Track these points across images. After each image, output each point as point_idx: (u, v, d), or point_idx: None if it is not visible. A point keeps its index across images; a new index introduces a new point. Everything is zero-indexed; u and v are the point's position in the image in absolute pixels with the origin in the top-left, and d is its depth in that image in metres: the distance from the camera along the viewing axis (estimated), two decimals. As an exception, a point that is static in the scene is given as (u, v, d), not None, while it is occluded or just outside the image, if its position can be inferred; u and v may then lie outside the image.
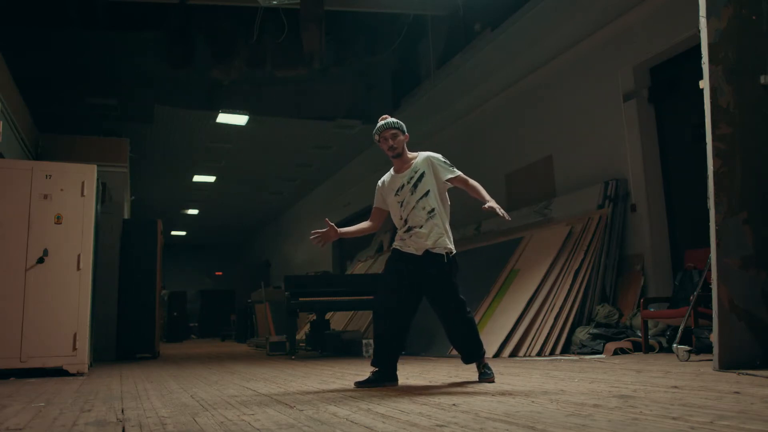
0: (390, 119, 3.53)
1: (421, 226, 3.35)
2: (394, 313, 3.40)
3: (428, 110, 9.74)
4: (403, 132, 3.52)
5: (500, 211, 3.20)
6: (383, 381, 3.40)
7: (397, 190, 3.45)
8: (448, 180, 3.43)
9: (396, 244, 3.50)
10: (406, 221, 3.41)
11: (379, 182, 3.61)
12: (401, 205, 3.43)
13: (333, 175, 14.81)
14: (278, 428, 2.04)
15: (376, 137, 3.52)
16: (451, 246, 3.40)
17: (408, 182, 3.42)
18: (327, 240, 3.48)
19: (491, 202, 3.25)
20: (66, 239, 5.21)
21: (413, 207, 3.38)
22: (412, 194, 3.40)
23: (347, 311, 9.99)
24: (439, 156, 3.51)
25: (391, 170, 3.58)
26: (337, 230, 3.49)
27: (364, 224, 3.66)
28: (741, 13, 3.58)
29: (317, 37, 7.39)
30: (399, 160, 3.49)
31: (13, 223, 5.10)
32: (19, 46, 8.56)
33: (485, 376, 3.38)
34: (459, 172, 3.47)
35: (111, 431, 2.15)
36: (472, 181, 3.45)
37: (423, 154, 3.50)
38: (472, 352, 3.46)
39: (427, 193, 3.39)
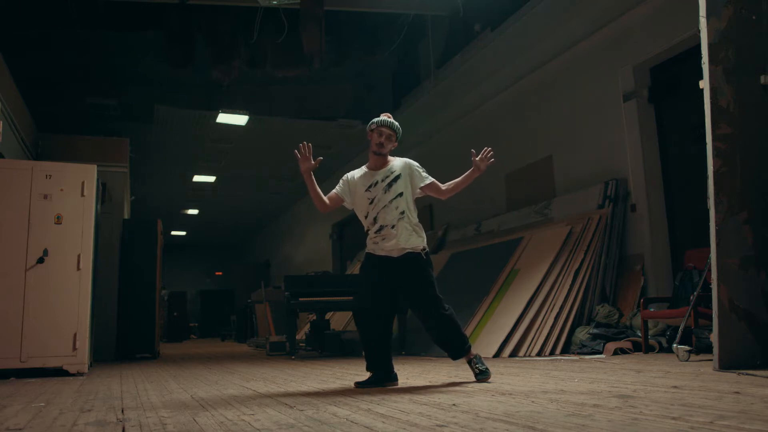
0: (393, 120, 3.55)
1: (393, 226, 3.38)
2: (375, 318, 3.42)
3: (428, 110, 9.74)
4: (398, 139, 3.56)
5: (484, 156, 3.40)
6: (383, 382, 3.40)
7: (369, 186, 3.45)
8: (423, 187, 3.48)
9: (369, 249, 3.50)
10: (375, 220, 3.42)
11: (348, 175, 3.59)
12: (371, 202, 3.44)
13: (333, 175, 14.79)
14: (278, 428, 2.04)
15: (372, 127, 3.53)
16: (424, 243, 3.46)
17: (382, 181, 3.45)
18: (305, 162, 3.44)
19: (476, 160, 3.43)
20: (66, 239, 5.21)
21: (385, 206, 3.40)
22: (384, 193, 3.42)
23: (347, 311, 9.97)
24: (416, 164, 3.56)
25: (363, 167, 3.58)
26: (311, 165, 3.44)
27: (322, 195, 3.53)
28: (741, 13, 3.58)
29: (317, 37, 7.39)
30: (379, 159, 3.51)
31: (13, 223, 5.10)
32: (19, 46, 8.56)
33: (483, 375, 3.37)
34: (432, 179, 3.52)
35: (111, 431, 2.15)
36: (446, 188, 3.52)
37: (402, 159, 3.56)
38: (457, 346, 3.46)
39: (400, 195, 3.42)
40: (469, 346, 3.49)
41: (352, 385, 3.47)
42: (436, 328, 3.44)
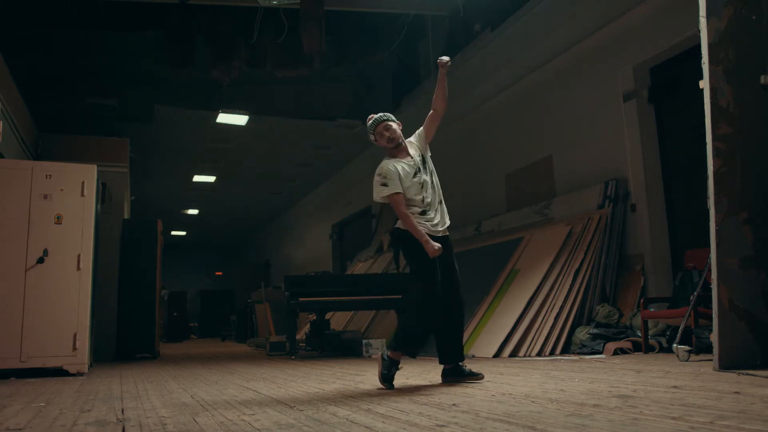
0: (376, 115, 3.57)
1: (440, 201, 3.50)
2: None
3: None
4: (394, 119, 3.58)
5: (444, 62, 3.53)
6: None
7: (416, 174, 3.46)
8: (426, 134, 3.61)
9: (426, 230, 3.35)
10: (429, 201, 3.44)
11: (393, 169, 3.40)
12: (422, 187, 3.45)
13: (333, 175, 14.81)
14: (278, 428, 2.04)
15: (372, 137, 3.55)
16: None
17: (423, 165, 3.50)
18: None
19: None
20: (66, 239, 5.21)
21: (432, 186, 3.49)
22: (428, 175, 3.49)
23: (347, 311, 9.98)
24: (412, 136, 3.64)
25: (394, 160, 3.50)
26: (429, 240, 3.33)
27: (408, 214, 3.37)
28: (741, 13, 3.58)
29: (317, 37, 7.39)
30: (401, 148, 3.52)
31: (13, 223, 5.10)
32: (19, 46, 8.57)
33: (473, 374, 3.37)
34: (422, 127, 3.65)
35: (111, 431, 2.15)
36: (432, 106, 3.61)
37: (408, 141, 3.62)
38: (459, 349, 3.45)
39: (434, 171, 3.56)
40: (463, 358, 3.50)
41: (354, 385, 3.46)
42: (454, 317, 3.42)
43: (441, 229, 3.45)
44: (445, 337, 3.45)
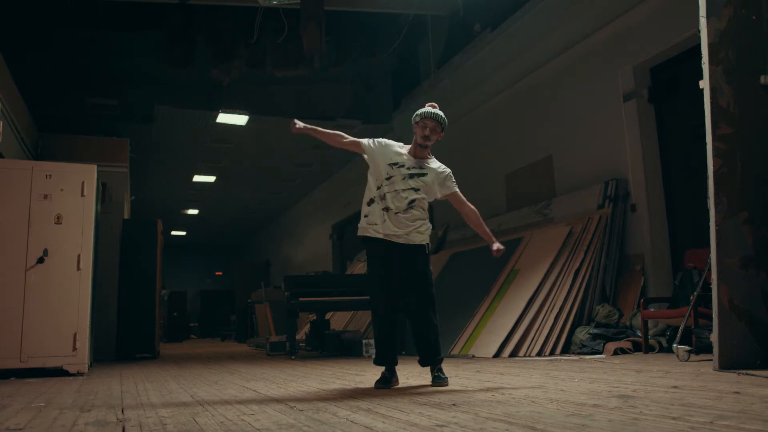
0: (438, 111, 3.47)
1: (397, 213, 3.36)
2: (392, 307, 3.39)
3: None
4: (443, 130, 3.51)
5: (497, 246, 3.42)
6: (392, 379, 3.41)
7: (396, 164, 3.41)
8: (449, 194, 3.48)
9: (367, 232, 3.42)
10: (383, 198, 3.38)
11: (384, 140, 3.54)
12: (387, 178, 3.39)
13: (333, 175, 14.81)
14: (278, 428, 2.04)
15: (418, 119, 3.46)
16: (428, 240, 3.47)
17: (408, 168, 3.41)
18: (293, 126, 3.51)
19: (497, 244, 3.43)
20: (66, 239, 5.21)
21: (396, 191, 3.37)
22: (402, 179, 3.39)
23: (347, 311, 9.99)
24: (451, 175, 3.54)
25: (403, 146, 3.53)
26: (301, 126, 3.52)
27: (338, 136, 3.56)
28: (741, 13, 3.58)
29: (317, 37, 7.39)
30: (420, 150, 3.47)
31: (13, 223, 5.09)
32: (20, 46, 8.57)
33: (439, 380, 3.33)
34: (457, 190, 3.53)
35: (111, 431, 2.15)
36: (469, 205, 3.52)
37: (440, 165, 3.53)
38: (436, 352, 3.42)
39: (416, 190, 3.40)
40: (441, 358, 3.47)
41: (353, 384, 3.47)
42: (422, 327, 3.40)
43: (400, 235, 3.35)
44: (415, 339, 3.47)
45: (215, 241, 26.00)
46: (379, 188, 3.42)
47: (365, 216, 3.47)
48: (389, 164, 3.43)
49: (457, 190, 3.53)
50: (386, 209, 3.37)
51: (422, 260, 3.41)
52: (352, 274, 11.84)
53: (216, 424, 2.18)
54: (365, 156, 3.53)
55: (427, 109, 3.46)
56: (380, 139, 3.58)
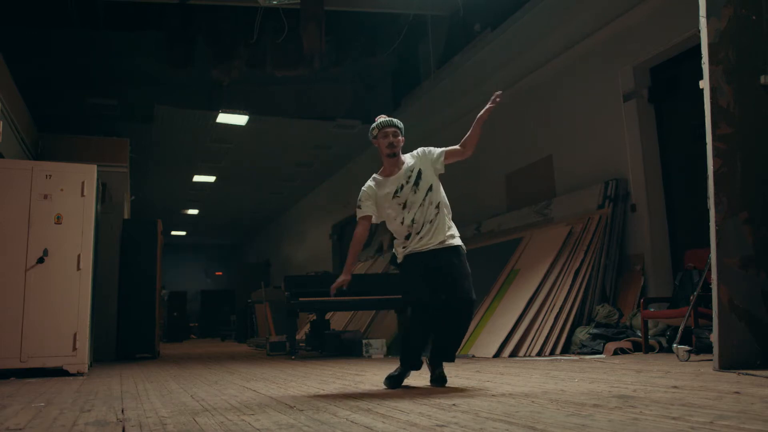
0: (391, 118, 3.48)
1: (431, 221, 3.32)
2: (432, 310, 3.32)
3: (428, 110, 9.74)
4: (402, 134, 3.47)
5: (492, 102, 3.32)
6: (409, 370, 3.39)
7: (396, 192, 3.36)
8: (443, 160, 3.40)
9: (407, 252, 3.37)
10: (413, 221, 3.32)
11: (366, 189, 3.46)
12: (404, 207, 3.34)
13: (333, 175, 14.82)
14: (278, 428, 2.04)
15: (375, 132, 3.43)
16: (461, 242, 3.40)
17: (407, 182, 3.35)
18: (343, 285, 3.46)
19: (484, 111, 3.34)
20: (66, 239, 5.21)
21: (420, 204, 3.32)
22: (415, 193, 3.33)
23: (347, 311, 9.98)
24: (424, 148, 3.48)
25: (377, 176, 3.48)
26: (349, 275, 3.46)
27: (357, 241, 3.48)
28: (741, 13, 3.58)
29: (317, 37, 7.39)
30: (393, 161, 3.41)
31: (13, 223, 5.09)
32: (20, 46, 8.57)
33: (439, 380, 3.33)
34: (444, 149, 3.45)
35: (111, 431, 2.15)
36: (459, 147, 3.41)
37: (411, 154, 3.48)
38: (452, 352, 3.41)
39: (431, 188, 3.35)
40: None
41: (354, 385, 3.47)
42: (453, 321, 3.34)
43: (433, 243, 3.31)
44: (436, 335, 3.44)
45: (215, 241, 26.02)
46: (403, 222, 3.35)
47: (404, 248, 3.40)
48: (394, 197, 3.38)
49: (444, 149, 3.45)
50: (420, 230, 3.33)
51: (459, 260, 3.34)
52: (353, 274, 11.83)
53: (216, 424, 2.18)
54: (374, 218, 3.46)
55: (379, 120, 3.45)
56: (365, 195, 3.47)
